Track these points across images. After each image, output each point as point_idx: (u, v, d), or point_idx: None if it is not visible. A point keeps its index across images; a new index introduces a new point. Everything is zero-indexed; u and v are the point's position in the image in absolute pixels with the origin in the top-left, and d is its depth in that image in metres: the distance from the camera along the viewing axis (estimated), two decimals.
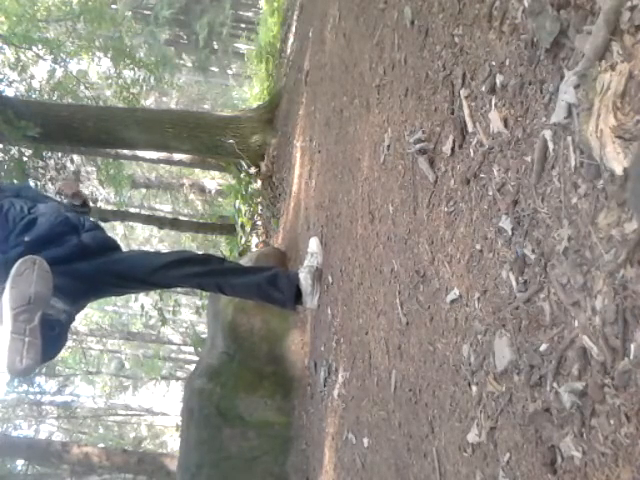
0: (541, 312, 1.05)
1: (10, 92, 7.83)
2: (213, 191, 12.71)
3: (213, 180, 13.01)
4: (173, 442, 18.61)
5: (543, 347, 1.03)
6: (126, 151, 8.50)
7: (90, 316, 19.59)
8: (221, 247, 10.76)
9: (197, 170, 13.94)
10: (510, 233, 1.16)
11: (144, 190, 15.42)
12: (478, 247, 1.29)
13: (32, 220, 2.38)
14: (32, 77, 8.74)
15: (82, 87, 9.18)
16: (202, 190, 13.16)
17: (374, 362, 2.00)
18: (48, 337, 1.96)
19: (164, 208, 16.96)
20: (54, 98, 8.37)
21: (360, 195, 2.28)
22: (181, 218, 11.86)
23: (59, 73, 9.47)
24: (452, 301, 1.41)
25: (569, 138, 0.98)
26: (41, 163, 6.96)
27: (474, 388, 1.28)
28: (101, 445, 13.75)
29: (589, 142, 0.90)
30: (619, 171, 0.85)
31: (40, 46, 8.94)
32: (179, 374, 20.38)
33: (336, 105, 2.93)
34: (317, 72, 3.79)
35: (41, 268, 1.98)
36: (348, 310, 2.35)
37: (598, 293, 0.90)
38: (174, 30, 14.64)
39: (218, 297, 3.83)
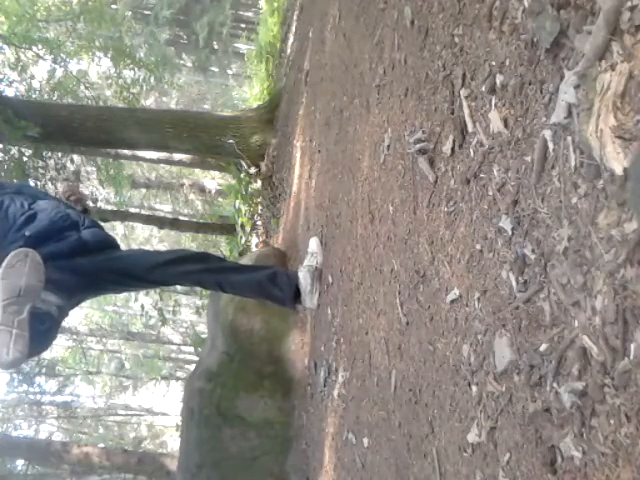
0: (541, 312, 1.05)
1: (10, 92, 7.84)
2: (213, 191, 12.71)
3: (213, 180, 13.02)
4: (173, 442, 18.61)
5: (543, 347, 1.03)
6: (126, 151, 8.50)
7: (90, 316, 19.61)
8: (221, 247, 10.77)
9: (197, 170, 13.95)
10: (510, 233, 1.16)
11: (144, 190, 15.42)
12: (478, 247, 1.29)
13: (32, 215, 2.39)
14: (32, 77, 8.74)
15: (82, 87, 9.19)
16: (202, 190, 13.16)
17: (374, 362, 2.00)
18: (37, 330, 1.95)
19: (164, 208, 16.97)
20: (54, 98, 8.38)
21: (360, 195, 2.28)
22: (181, 218, 11.87)
23: (59, 73, 9.48)
24: (452, 301, 1.41)
25: (569, 138, 0.98)
26: (41, 163, 6.97)
27: (474, 388, 1.28)
28: (101, 445, 13.75)
29: (589, 142, 0.90)
30: (619, 171, 0.85)
31: (40, 46, 8.95)
32: (179, 374, 20.38)
33: (336, 105, 2.93)
34: (317, 72, 3.79)
35: (33, 260, 1.98)
36: (348, 310, 2.35)
37: (598, 293, 0.90)
38: (174, 30, 14.64)
39: (218, 297, 3.83)
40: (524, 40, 1.14)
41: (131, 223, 13.72)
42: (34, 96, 8.14)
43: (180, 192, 14.18)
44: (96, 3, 9.81)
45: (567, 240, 0.98)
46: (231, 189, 6.90)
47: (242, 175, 6.20)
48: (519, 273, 1.12)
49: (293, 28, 6.40)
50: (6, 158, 6.56)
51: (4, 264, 1.93)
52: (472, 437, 1.27)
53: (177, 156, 8.99)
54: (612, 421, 0.87)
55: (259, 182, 6.19)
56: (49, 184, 7.12)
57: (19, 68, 8.38)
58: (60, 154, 7.50)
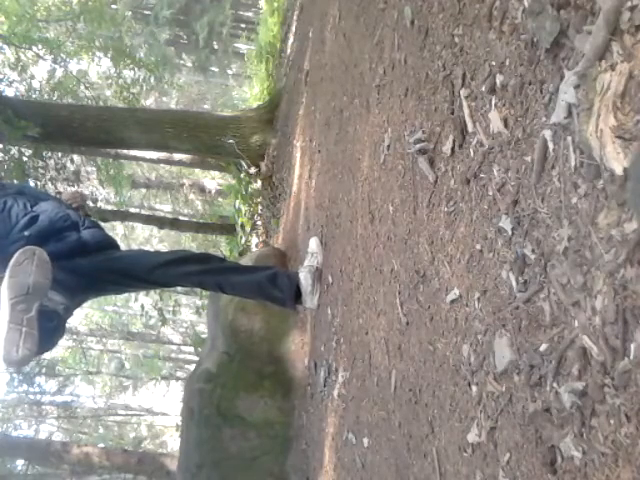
0: (541, 312, 1.05)
1: (10, 92, 7.83)
2: (213, 191, 12.72)
3: (213, 180, 13.02)
4: (173, 442, 18.61)
5: (543, 347, 1.03)
6: (126, 151, 8.50)
7: (90, 316, 19.60)
8: (221, 247, 10.77)
9: (197, 170, 13.95)
10: (510, 233, 1.16)
11: (144, 190, 15.43)
12: (478, 247, 1.29)
13: (34, 217, 2.40)
14: (32, 77, 8.74)
15: (82, 87, 9.19)
16: (202, 190, 13.17)
17: (374, 362, 2.00)
18: (45, 328, 1.96)
19: (164, 208, 16.97)
20: (54, 98, 8.37)
21: (360, 195, 2.28)
22: (181, 218, 11.86)
23: (59, 73, 9.48)
24: (452, 301, 1.41)
25: (569, 138, 0.98)
26: (41, 163, 6.97)
27: (474, 388, 1.28)
28: (101, 445, 13.75)
29: (589, 142, 0.90)
30: (619, 171, 0.85)
31: (40, 46, 8.95)
32: (179, 374, 20.38)
33: (336, 105, 2.93)
34: (317, 72, 3.79)
35: (40, 259, 1.98)
36: (348, 310, 2.35)
37: (598, 293, 0.90)
38: (174, 30, 14.64)
39: (218, 297, 3.83)
40: (524, 40, 1.14)
41: (131, 223, 13.71)
42: (34, 96, 8.14)
43: (180, 192, 14.18)
44: (96, 3, 9.80)
45: (567, 240, 0.98)
46: (231, 189, 6.90)
47: (242, 175, 6.20)
48: (519, 273, 1.12)
49: (293, 28, 6.40)
50: (6, 158, 6.56)
51: (12, 262, 1.93)
52: (472, 437, 1.27)
53: (177, 156, 8.99)
54: (612, 421, 0.87)
55: (259, 182, 6.19)
56: (49, 184, 7.12)
57: (19, 68, 8.38)
58: (60, 154, 7.49)
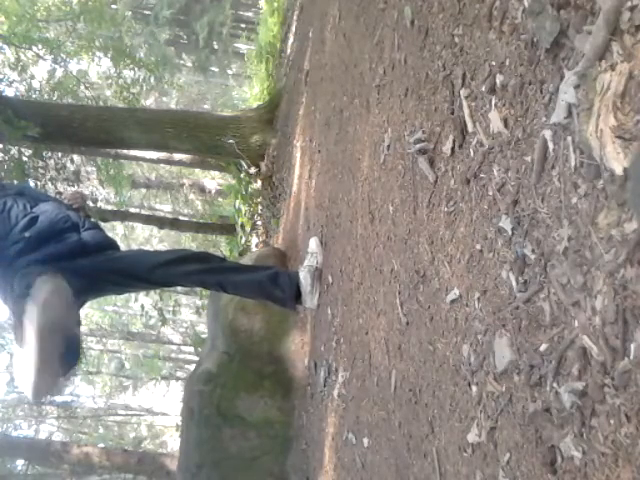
0: (541, 312, 1.05)
1: (10, 92, 7.83)
2: (213, 191, 12.72)
3: (213, 180, 13.02)
4: (173, 442, 18.61)
5: (543, 347, 1.03)
6: (126, 151, 8.50)
7: (90, 316, 19.60)
8: (221, 247, 10.77)
9: (197, 170, 13.95)
10: (510, 233, 1.16)
11: (144, 190, 15.43)
12: (478, 247, 1.29)
13: (34, 218, 2.40)
14: (32, 77, 8.74)
15: (82, 87, 9.19)
16: (202, 190, 13.17)
17: (374, 362, 2.00)
18: (69, 356, 1.95)
19: (164, 208, 16.97)
20: (54, 98, 8.37)
21: (360, 195, 2.29)
22: (181, 218, 11.87)
23: (59, 73, 9.48)
24: (452, 301, 1.41)
25: (569, 138, 0.98)
26: (41, 163, 6.96)
27: (474, 388, 1.28)
28: (101, 445, 13.75)
29: (589, 142, 0.90)
30: (619, 171, 0.85)
31: (40, 46, 8.95)
32: (179, 374, 20.38)
33: (336, 105, 2.93)
34: (317, 72, 3.79)
35: (66, 293, 1.95)
36: (348, 310, 2.35)
37: (598, 293, 0.90)
38: (174, 30, 14.65)
39: (218, 297, 3.83)
40: (524, 40, 1.14)
41: (131, 223, 13.72)
42: (34, 96, 8.14)
43: (180, 192, 14.19)
44: (96, 3, 9.80)
45: (567, 240, 0.98)
46: (231, 189, 6.90)
47: (242, 175, 6.20)
48: (519, 273, 1.12)
49: (293, 28, 6.40)
50: (6, 158, 6.56)
51: (36, 298, 1.85)
52: (472, 437, 1.27)
53: (177, 156, 8.99)
54: (612, 421, 0.87)
55: (259, 182, 6.19)
56: (49, 184, 7.12)
57: (19, 68, 8.38)
58: (60, 154, 7.49)
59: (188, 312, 15.93)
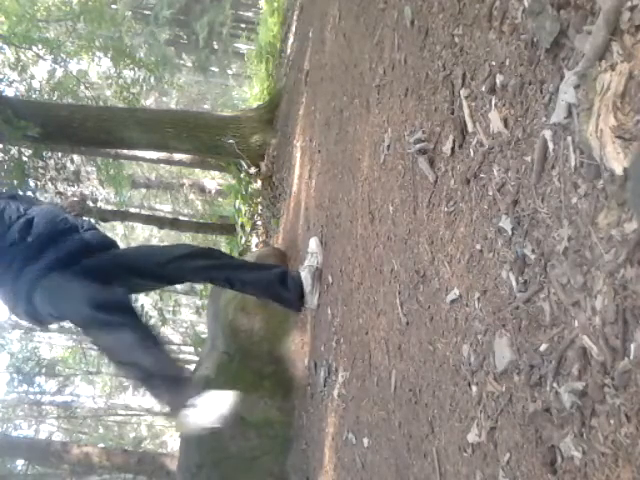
0: (541, 312, 1.05)
1: (10, 92, 7.83)
2: (213, 191, 12.71)
3: (213, 180, 13.02)
4: (173, 442, 18.60)
5: (543, 347, 1.03)
6: (126, 151, 8.50)
7: None
8: (221, 247, 10.76)
9: (197, 170, 13.95)
10: (510, 233, 1.16)
11: (144, 190, 15.43)
12: (478, 247, 1.29)
13: (29, 220, 2.40)
14: (32, 77, 8.74)
15: (82, 87, 9.19)
16: (202, 190, 13.17)
17: (374, 362, 2.00)
18: None
19: (164, 208, 16.97)
20: (54, 98, 8.37)
21: (360, 195, 2.28)
22: (181, 218, 11.87)
23: (59, 73, 9.48)
24: (452, 301, 1.41)
25: (569, 138, 0.98)
26: (41, 163, 6.96)
27: (474, 388, 1.28)
28: (101, 445, 13.75)
29: (589, 142, 0.90)
30: (619, 171, 0.84)
31: (40, 46, 8.95)
32: None
33: (336, 105, 2.93)
34: (317, 72, 3.79)
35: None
36: (348, 310, 2.35)
37: (598, 293, 0.90)
38: (174, 30, 14.65)
39: (218, 297, 3.83)
40: (524, 40, 1.14)
41: (131, 223, 13.72)
42: (34, 96, 8.14)
43: (180, 192, 14.18)
44: (96, 3, 9.80)
45: (567, 240, 0.98)
46: (231, 189, 6.90)
47: (242, 175, 6.20)
48: (519, 273, 1.12)
49: (293, 28, 6.40)
50: (6, 158, 6.56)
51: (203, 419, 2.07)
52: (472, 437, 1.27)
53: (177, 156, 8.99)
54: (612, 421, 0.87)
55: (259, 182, 6.19)
56: (49, 184, 7.11)
57: (19, 68, 8.38)
58: (60, 154, 7.49)
59: (188, 312, 15.92)
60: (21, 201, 2.56)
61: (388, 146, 1.96)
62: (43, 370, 16.58)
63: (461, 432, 1.34)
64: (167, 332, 17.97)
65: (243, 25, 15.77)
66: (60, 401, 19.13)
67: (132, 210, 12.53)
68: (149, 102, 16.02)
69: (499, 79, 1.22)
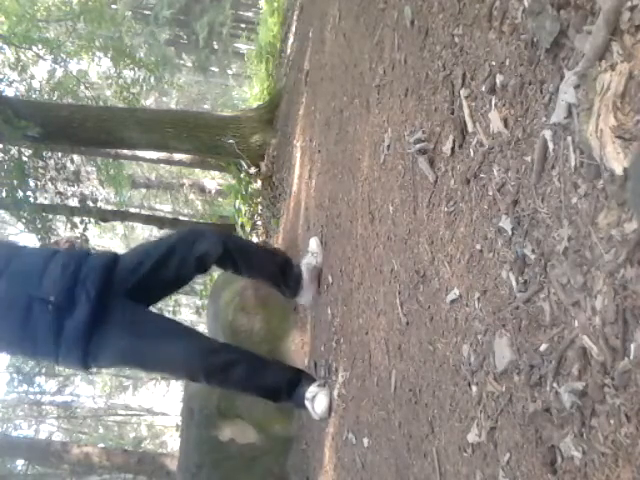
0: (541, 312, 1.05)
1: (10, 92, 7.83)
2: (213, 191, 12.72)
3: (213, 180, 13.03)
4: (173, 442, 18.60)
5: (543, 347, 1.03)
6: (126, 151, 8.51)
7: None
8: None
9: (197, 170, 13.95)
10: (510, 233, 1.16)
11: (144, 190, 15.44)
12: (478, 247, 1.29)
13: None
14: (32, 77, 8.74)
15: (82, 87, 9.19)
16: (202, 190, 13.17)
17: (374, 362, 2.00)
18: None
19: (164, 208, 16.97)
20: (54, 98, 8.38)
21: (360, 195, 2.29)
22: (181, 218, 11.87)
23: (59, 73, 9.49)
24: (452, 301, 1.41)
25: (569, 138, 0.98)
26: (41, 163, 6.96)
27: (474, 388, 1.28)
28: (101, 445, 13.75)
29: (589, 142, 0.90)
30: (619, 171, 0.84)
31: (40, 46, 8.96)
32: None
33: (336, 105, 2.93)
34: (317, 72, 3.79)
35: None
36: (348, 310, 2.35)
37: (598, 293, 0.90)
38: (174, 30, 14.65)
39: (218, 297, 3.83)
40: (524, 40, 1.14)
41: (131, 223, 13.72)
42: (34, 96, 8.14)
43: (180, 192, 14.20)
44: (96, 3, 9.81)
45: (567, 240, 0.98)
46: (231, 189, 6.90)
47: (242, 175, 6.20)
48: (519, 273, 1.12)
49: (293, 28, 6.40)
50: (6, 158, 6.56)
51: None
52: (472, 437, 1.27)
53: (177, 156, 9.00)
54: (612, 421, 0.87)
55: (259, 182, 6.19)
56: (49, 184, 7.12)
57: (19, 68, 8.38)
58: (60, 154, 7.50)
59: (188, 312, 15.92)
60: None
61: (388, 146, 1.96)
62: (43, 370, 16.57)
63: (461, 432, 1.34)
64: None
65: (243, 25, 15.78)
66: (60, 401, 19.14)
67: (132, 210, 12.53)
68: (149, 102, 16.03)
69: (499, 79, 1.22)
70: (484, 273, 1.26)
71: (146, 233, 18.83)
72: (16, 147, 6.46)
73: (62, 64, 9.47)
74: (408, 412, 1.67)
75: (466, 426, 1.31)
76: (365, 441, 2.03)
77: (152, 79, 9.95)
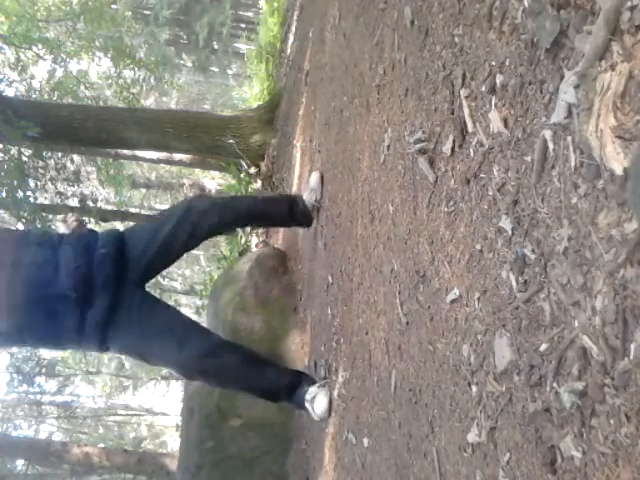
0: (541, 312, 1.05)
1: (10, 92, 7.83)
2: (213, 191, 12.71)
3: (213, 180, 13.02)
4: (173, 442, 18.61)
5: (543, 347, 1.03)
6: (126, 151, 8.51)
7: None
8: (221, 247, 10.75)
9: (197, 170, 13.95)
10: (510, 233, 1.16)
11: (144, 190, 15.44)
12: (478, 247, 1.29)
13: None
14: (32, 77, 8.74)
15: (82, 87, 9.19)
16: (202, 190, 13.16)
17: (374, 362, 2.00)
18: None
19: (164, 208, 16.95)
20: (54, 98, 8.37)
21: (360, 195, 2.29)
22: None
23: (59, 73, 9.49)
24: (452, 301, 1.41)
25: (569, 138, 0.98)
26: (41, 163, 6.96)
27: (474, 388, 1.28)
28: (101, 445, 13.75)
29: (589, 142, 0.90)
30: (619, 171, 0.84)
31: (40, 46, 8.95)
32: None
33: (336, 105, 2.92)
34: (317, 72, 3.79)
35: None
36: (348, 310, 2.35)
37: (598, 293, 0.90)
38: (174, 30, 14.65)
39: (218, 297, 3.83)
40: (524, 40, 1.14)
41: (131, 223, 13.71)
42: (34, 96, 8.14)
43: (180, 192, 14.18)
44: (96, 3, 9.81)
45: (567, 240, 0.98)
46: (231, 189, 6.89)
47: (242, 175, 6.20)
48: (519, 273, 1.12)
49: (293, 28, 6.40)
50: (6, 158, 6.56)
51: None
52: (472, 437, 1.27)
53: (177, 156, 9.00)
54: (612, 421, 0.87)
55: (259, 182, 6.19)
56: (49, 184, 7.11)
57: (19, 68, 8.38)
58: (60, 154, 7.49)
59: (188, 312, 15.91)
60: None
61: (388, 146, 1.96)
62: (43, 370, 16.59)
63: (461, 432, 1.34)
64: None
65: (243, 25, 15.78)
66: (60, 401, 19.14)
67: (132, 210, 12.53)
68: (149, 102, 16.03)
69: (499, 79, 1.22)
70: (484, 273, 1.26)
71: None
72: (16, 147, 6.46)
73: (62, 64, 9.47)
74: (408, 412, 1.67)
75: (466, 426, 1.31)
76: (365, 441, 2.03)
77: (152, 79, 9.96)
